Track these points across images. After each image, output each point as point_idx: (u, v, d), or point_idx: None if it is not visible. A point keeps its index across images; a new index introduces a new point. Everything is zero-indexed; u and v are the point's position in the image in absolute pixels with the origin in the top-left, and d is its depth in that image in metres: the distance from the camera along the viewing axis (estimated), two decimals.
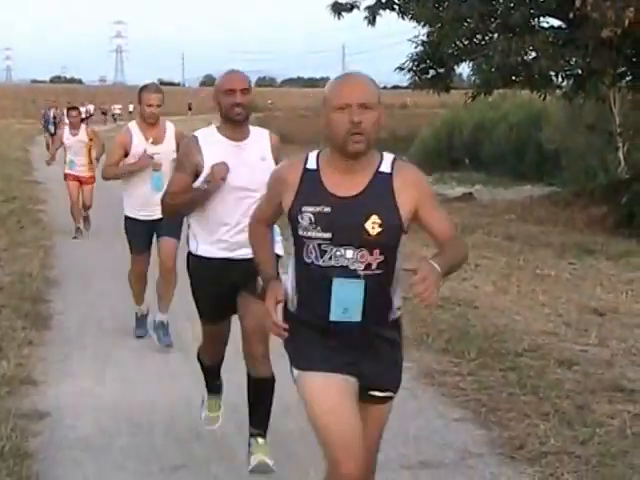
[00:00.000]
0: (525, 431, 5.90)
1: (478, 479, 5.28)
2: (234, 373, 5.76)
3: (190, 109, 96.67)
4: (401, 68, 22.34)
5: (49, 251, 12.96)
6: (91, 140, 14.91)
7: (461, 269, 11.27)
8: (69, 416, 6.30)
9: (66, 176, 15.28)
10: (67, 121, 18.48)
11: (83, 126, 15.24)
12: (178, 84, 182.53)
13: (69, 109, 16.57)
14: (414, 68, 22.07)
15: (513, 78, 20.92)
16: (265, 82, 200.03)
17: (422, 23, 21.34)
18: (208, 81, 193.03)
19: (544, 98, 22.79)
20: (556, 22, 21.11)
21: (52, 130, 33.95)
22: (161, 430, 6.03)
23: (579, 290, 10.73)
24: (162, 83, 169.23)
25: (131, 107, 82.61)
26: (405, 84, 25.14)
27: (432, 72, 22.24)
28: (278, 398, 6.60)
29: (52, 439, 5.90)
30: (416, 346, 7.92)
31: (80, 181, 15.09)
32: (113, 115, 74.84)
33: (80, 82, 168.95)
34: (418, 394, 6.75)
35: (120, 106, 77.18)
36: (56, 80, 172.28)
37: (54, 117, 39.17)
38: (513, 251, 13.32)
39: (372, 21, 22.42)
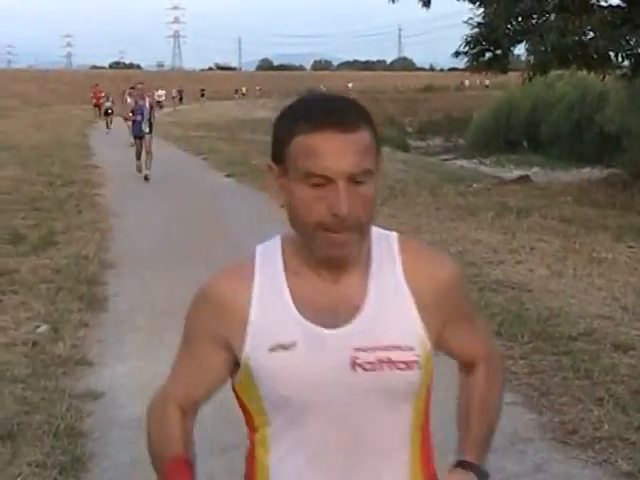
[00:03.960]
0: (578, 416, 5.85)
1: (528, 464, 5.24)
2: None
3: (203, 95, 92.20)
4: (458, 53, 22.21)
5: (105, 234, 13.07)
6: None
7: (516, 252, 11.26)
8: (122, 396, 6.37)
9: None
10: None
11: None
12: (235, 68, 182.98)
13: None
14: (470, 51, 21.91)
15: (569, 58, 20.64)
16: (321, 65, 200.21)
17: (477, 3, 21.17)
18: (264, 65, 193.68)
19: (603, 78, 22.53)
20: (614, 1, 20.82)
21: (147, 130, 21.22)
22: (210, 412, 6.01)
23: (637, 273, 10.58)
24: (219, 67, 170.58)
25: (174, 92, 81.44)
26: (462, 66, 24.97)
27: (489, 54, 22.05)
28: None
29: (105, 419, 5.97)
30: None
31: None
32: (158, 102, 70.60)
33: (138, 67, 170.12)
34: None
35: (164, 92, 73.89)
36: (115, 66, 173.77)
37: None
38: (569, 234, 13.17)
39: (427, 3, 22.31)
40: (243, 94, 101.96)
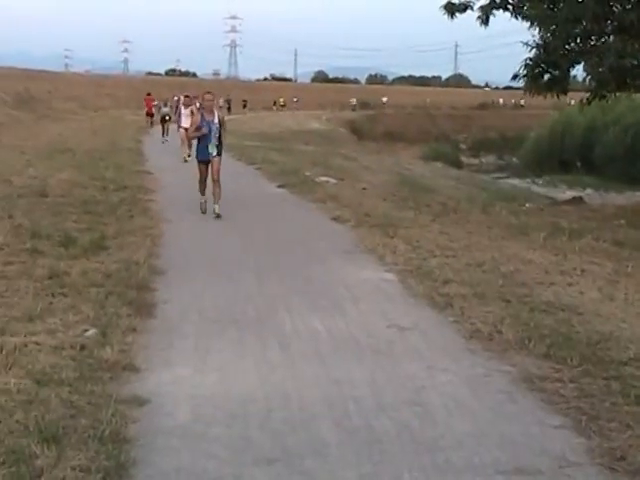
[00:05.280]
0: (627, 442, 5.75)
1: None
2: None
3: (245, 106, 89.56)
4: (516, 75, 22.17)
5: (156, 240, 13.11)
6: None
7: (567, 274, 11.15)
8: (168, 403, 6.38)
9: None
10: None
11: None
12: (290, 79, 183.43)
13: None
14: (529, 73, 21.83)
15: (627, 80, 20.48)
16: (376, 80, 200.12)
17: (535, 23, 21.08)
18: (319, 77, 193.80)
19: None
20: None
21: (214, 152, 16.32)
22: (257, 422, 6.06)
23: None
24: (274, 78, 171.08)
25: (221, 101, 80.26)
26: (518, 85, 24.87)
27: (547, 76, 21.95)
28: (375, 395, 6.61)
29: (151, 426, 5.97)
30: (517, 350, 7.80)
31: None
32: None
33: (194, 75, 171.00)
34: (517, 399, 6.65)
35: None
36: (171, 73, 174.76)
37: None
38: (621, 257, 13.03)
39: (485, 21, 22.27)
40: (282, 105, 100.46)
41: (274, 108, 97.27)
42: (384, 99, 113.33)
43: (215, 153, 16.30)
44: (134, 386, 6.68)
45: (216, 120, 16.30)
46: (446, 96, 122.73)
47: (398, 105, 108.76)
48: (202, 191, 16.62)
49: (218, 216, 15.91)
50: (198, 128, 16.28)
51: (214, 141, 16.22)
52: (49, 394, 6.28)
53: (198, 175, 16.62)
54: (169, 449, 5.60)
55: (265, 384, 6.82)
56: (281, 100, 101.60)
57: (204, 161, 16.42)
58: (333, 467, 5.38)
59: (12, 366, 6.88)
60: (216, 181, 16.28)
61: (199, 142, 16.46)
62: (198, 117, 16.66)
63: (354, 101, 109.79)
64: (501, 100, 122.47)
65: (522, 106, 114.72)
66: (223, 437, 5.80)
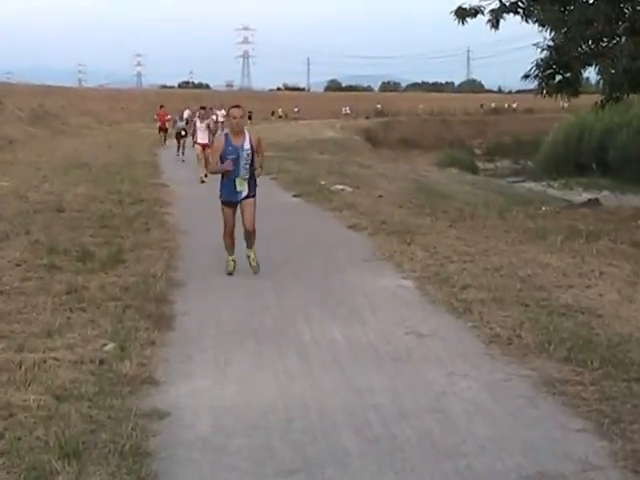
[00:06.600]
0: None
1: None
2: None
3: (250, 118, 76.55)
4: (527, 76, 22.08)
5: (173, 253, 13.12)
6: None
7: (585, 277, 11.08)
8: (188, 416, 6.37)
9: None
10: None
11: None
12: (303, 89, 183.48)
13: None
14: (540, 74, 21.75)
15: None
16: (390, 87, 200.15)
17: (547, 27, 21.01)
18: (333, 85, 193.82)
19: None
20: None
21: (246, 191, 11.78)
22: (277, 433, 6.04)
23: None
24: (287, 88, 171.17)
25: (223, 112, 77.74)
26: (530, 88, 24.80)
27: (559, 77, 21.87)
28: (395, 403, 6.59)
29: (171, 438, 5.96)
30: (537, 354, 7.78)
31: None
32: (221, 123, 49.32)
33: (207, 87, 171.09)
34: (538, 403, 6.62)
35: (223, 112, 67.19)
36: (184, 85, 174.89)
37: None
38: None
39: (495, 25, 22.19)
40: (280, 116, 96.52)
41: (272, 118, 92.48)
42: (378, 106, 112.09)
43: (246, 192, 11.83)
44: (154, 399, 6.68)
45: (247, 145, 11.63)
46: (458, 102, 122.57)
47: (412, 112, 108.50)
48: (229, 247, 12.15)
49: (256, 270, 11.92)
50: (224, 163, 11.57)
51: (244, 173, 11.69)
52: (69, 409, 6.29)
53: (223, 222, 12.06)
54: (190, 461, 5.60)
55: (285, 394, 6.82)
56: (280, 110, 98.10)
57: (230, 203, 11.93)
58: (354, 476, 5.37)
59: (31, 382, 6.90)
60: (251, 233, 12.00)
61: (223, 175, 11.81)
62: (221, 141, 11.89)
63: (348, 109, 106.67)
64: (492, 104, 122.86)
65: (514, 110, 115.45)
66: (244, 448, 5.79)
